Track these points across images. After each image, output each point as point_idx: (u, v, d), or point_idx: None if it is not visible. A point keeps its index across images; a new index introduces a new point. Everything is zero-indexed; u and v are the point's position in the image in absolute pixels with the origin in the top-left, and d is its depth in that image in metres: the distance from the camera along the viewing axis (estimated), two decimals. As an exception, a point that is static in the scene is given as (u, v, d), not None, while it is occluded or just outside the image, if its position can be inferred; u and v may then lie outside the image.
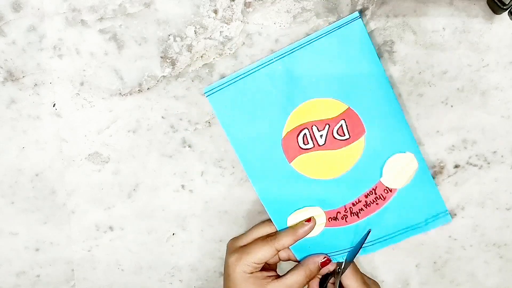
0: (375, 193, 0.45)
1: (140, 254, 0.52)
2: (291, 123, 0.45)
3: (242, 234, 0.47)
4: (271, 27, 0.45)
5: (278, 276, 0.45)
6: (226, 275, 0.45)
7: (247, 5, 0.45)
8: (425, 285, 0.52)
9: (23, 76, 0.47)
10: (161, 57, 0.46)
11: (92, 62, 0.46)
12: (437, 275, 0.51)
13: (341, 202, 0.46)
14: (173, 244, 0.51)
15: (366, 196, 0.45)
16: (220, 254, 0.52)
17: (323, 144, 0.45)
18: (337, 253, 0.47)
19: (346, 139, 0.45)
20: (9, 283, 0.52)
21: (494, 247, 0.50)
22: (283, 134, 0.45)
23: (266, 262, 0.46)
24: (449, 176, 0.49)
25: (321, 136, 0.45)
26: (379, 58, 0.44)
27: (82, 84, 0.47)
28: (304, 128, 0.45)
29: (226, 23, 0.45)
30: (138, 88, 0.47)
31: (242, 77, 0.44)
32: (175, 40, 0.46)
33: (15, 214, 0.50)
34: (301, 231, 0.45)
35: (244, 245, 0.45)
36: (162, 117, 0.48)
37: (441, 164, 0.48)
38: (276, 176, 0.46)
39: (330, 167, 0.45)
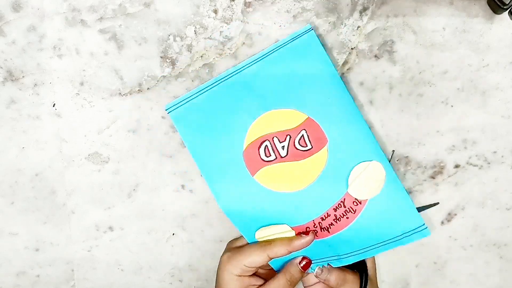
0: (344, 206, 0.44)
1: (140, 254, 0.52)
2: (251, 135, 0.44)
3: (242, 236, 0.46)
4: (271, 27, 0.45)
5: (263, 285, 0.43)
6: (217, 272, 0.44)
7: (247, 5, 0.45)
8: (425, 285, 0.52)
9: (23, 76, 0.47)
10: (161, 57, 0.46)
11: (92, 62, 0.46)
12: (437, 275, 0.51)
13: (308, 216, 0.44)
14: (173, 244, 0.51)
15: (335, 210, 0.44)
16: (220, 254, 0.52)
17: (286, 156, 0.44)
18: (315, 261, 0.45)
19: (308, 150, 0.44)
20: (9, 283, 0.52)
21: (494, 247, 0.50)
22: (244, 146, 0.44)
23: (260, 268, 0.44)
24: (449, 176, 0.49)
25: (282, 147, 0.44)
26: (335, 67, 0.44)
27: (82, 84, 0.47)
28: (265, 140, 0.44)
29: (226, 23, 0.45)
30: (138, 88, 0.47)
31: (201, 93, 0.45)
32: (175, 40, 0.46)
33: (15, 214, 0.50)
34: (297, 243, 0.42)
35: (239, 246, 0.44)
36: (162, 117, 0.48)
37: (441, 164, 0.48)
38: (240, 191, 0.44)
39: (294, 179, 0.44)
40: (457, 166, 0.48)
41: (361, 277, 0.44)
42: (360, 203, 0.44)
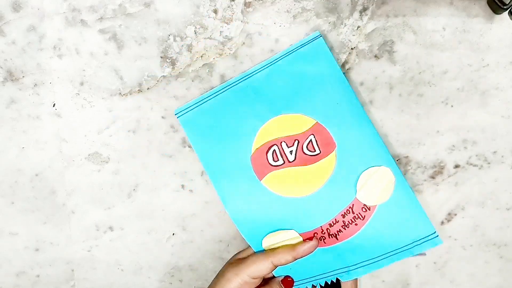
0: (353, 212, 0.43)
1: (140, 254, 0.52)
2: (259, 139, 0.44)
3: (246, 249, 0.45)
4: (271, 27, 0.45)
5: None
6: (215, 281, 0.42)
7: (247, 5, 0.45)
8: (425, 285, 0.52)
9: (23, 76, 0.47)
10: (161, 57, 0.46)
11: (92, 62, 0.46)
12: (437, 275, 0.51)
13: (316, 222, 0.44)
14: (173, 244, 0.51)
15: (343, 216, 0.43)
16: (220, 254, 0.52)
17: (293, 161, 0.44)
18: (323, 276, 0.44)
19: (316, 155, 0.43)
20: (9, 283, 0.52)
21: (494, 247, 0.50)
22: (252, 150, 0.44)
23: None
24: (449, 176, 0.49)
25: (290, 152, 0.44)
26: (344, 73, 0.44)
27: (82, 84, 0.47)
28: (273, 145, 0.44)
29: (226, 23, 0.45)
30: (138, 88, 0.47)
31: (211, 98, 0.45)
32: (175, 40, 0.46)
33: (15, 214, 0.50)
34: (302, 249, 0.42)
35: (244, 257, 0.43)
36: (162, 117, 0.48)
37: (441, 164, 0.48)
38: (247, 196, 0.44)
39: (302, 184, 0.44)
40: (457, 166, 0.48)
41: None
42: (369, 209, 0.43)
